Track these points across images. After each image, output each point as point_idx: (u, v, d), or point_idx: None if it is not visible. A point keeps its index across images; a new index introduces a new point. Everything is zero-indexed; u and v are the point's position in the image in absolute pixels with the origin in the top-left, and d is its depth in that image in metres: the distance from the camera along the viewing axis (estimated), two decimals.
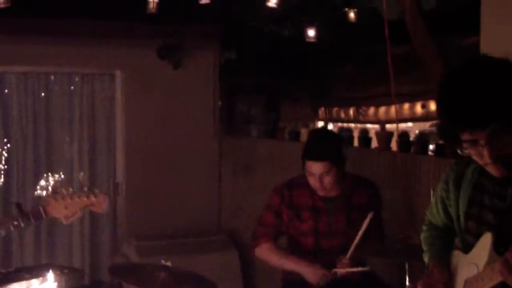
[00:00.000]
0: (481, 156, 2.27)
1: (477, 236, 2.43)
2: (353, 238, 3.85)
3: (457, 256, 2.58)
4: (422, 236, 2.81)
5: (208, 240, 6.99)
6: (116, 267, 4.01)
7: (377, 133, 5.60)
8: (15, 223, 3.14)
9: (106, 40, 6.82)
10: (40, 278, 2.55)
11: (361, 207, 4.01)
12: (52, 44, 6.70)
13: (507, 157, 2.25)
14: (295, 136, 6.58)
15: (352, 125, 8.69)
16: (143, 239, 6.79)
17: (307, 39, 5.51)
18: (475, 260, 2.41)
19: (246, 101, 8.72)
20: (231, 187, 7.33)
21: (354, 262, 3.85)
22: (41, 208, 3.22)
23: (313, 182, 3.96)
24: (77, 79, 7.31)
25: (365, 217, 3.82)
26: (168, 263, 3.54)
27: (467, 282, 2.43)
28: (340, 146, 4.05)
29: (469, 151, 2.29)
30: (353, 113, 9.35)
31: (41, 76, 7.20)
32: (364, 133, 5.86)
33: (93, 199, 3.27)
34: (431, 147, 5.19)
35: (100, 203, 3.29)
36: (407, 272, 3.58)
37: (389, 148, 5.35)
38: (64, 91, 7.28)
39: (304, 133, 6.42)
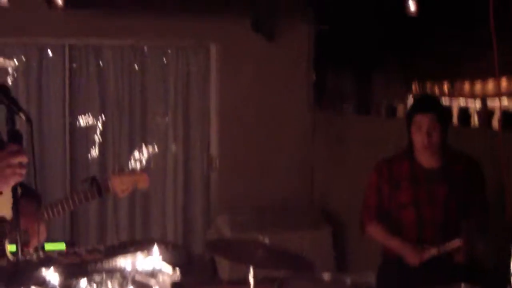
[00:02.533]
0: None
1: None
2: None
3: None
4: None
5: (301, 216, 6.95)
6: (212, 242, 4.04)
7: (477, 111, 5.43)
8: (89, 196, 3.44)
9: (201, 14, 6.82)
10: (145, 252, 2.57)
11: (463, 180, 4.06)
12: (147, 17, 6.75)
13: None
14: (392, 112, 6.46)
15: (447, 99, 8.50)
16: (235, 214, 6.82)
17: (408, 14, 5.35)
18: None
19: (338, 75, 8.63)
20: (324, 163, 7.26)
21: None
22: (109, 183, 3.50)
23: (420, 138, 4.01)
24: (170, 51, 7.37)
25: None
26: (266, 240, 3.52)
27: None
28: (444, 108, 4.30)
29: None
30: (447, 87, 9.15)
31: (136, 50, 7.28)
32: (463, 110, 5.69)
33: (139, 176, 3.60)
34: None
35: (145, 180, 3.61)
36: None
37: (491, 126, 5.20)
38: (158, 64, 7.36)
39: (400, 109, 6.32)
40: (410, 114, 4.10)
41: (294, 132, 7.37)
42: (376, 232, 4.23)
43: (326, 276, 3.70)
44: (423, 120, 4.00)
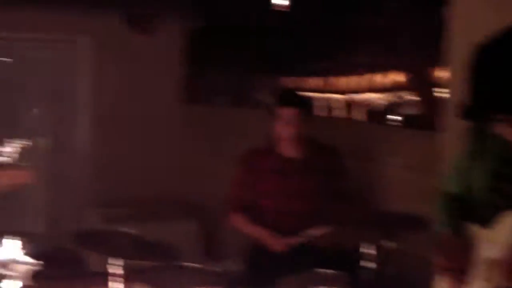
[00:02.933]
0: None
1: (497, 211, 2.34)
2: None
3: (475, 230, 2.46)
4: (438, 205, 2.65)
5: (171, 208, 7.07)
6: (80, 234, 3.96)
7: (341, 103, 5.63)
8: None
9: (74, 6, 6.71)
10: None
11: (326, 170, 4.24)
12: (17, 9, 6.56)
13: None
14: (261, 104, 6.57)
15: (318, 94, 8.71)
16: (106, 206, 6.78)
17: (276, 8, 5.47)
18: (497, 238, 2.32)
19: (213, 70, 8.68)
20: (195, 156, 7.30)
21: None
22: None
23: (283, 130, 4.19)
24: (42, 45, 7.22)
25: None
26: (134, 231, 3.53)
27: (492, 261, 2.34)
28: (306, 101, 4.49)
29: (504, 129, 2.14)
30: (317, 82, 9.37)
31: (4, 42, 7.08)
32: (331, 103, 5.88)
33: (21, 171, 3.52)
34: (398, 118, 5.21)
35: (25, 176, 3.52)
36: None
37: (355, 118, 5.38)
38: (28, 57, 7.21)
39: (269, 102, 6.42)
40: (275, 107, 4.26)
41: (166, 126, 7.38)
42: (240, 222, 4.35)
43: (196, 265, 3.74)
44: (286, 113, 4.17)
